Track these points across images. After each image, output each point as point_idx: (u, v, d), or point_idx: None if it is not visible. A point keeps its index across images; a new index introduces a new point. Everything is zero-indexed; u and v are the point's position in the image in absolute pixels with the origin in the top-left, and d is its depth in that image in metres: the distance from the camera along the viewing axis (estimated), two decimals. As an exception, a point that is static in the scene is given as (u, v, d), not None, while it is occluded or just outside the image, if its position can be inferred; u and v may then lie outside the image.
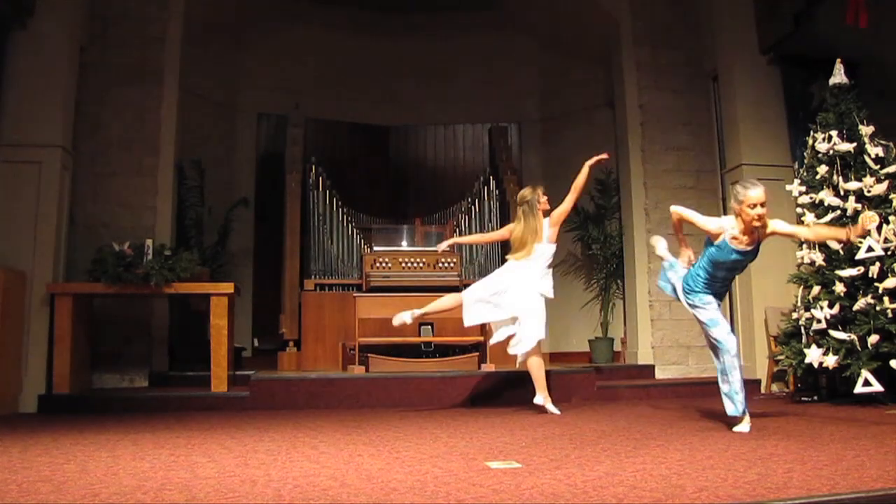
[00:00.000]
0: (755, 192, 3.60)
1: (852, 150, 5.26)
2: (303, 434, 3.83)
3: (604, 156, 5.02)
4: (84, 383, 5.66)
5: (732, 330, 3.92)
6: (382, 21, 9.50)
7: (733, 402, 3.78)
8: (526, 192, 5.01)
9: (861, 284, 4.97)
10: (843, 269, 5.01)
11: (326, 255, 7.67)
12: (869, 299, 4.83)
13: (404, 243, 8.01)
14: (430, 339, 6.49)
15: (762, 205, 3.61)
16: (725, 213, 6.66)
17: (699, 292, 3.93)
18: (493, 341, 5.03)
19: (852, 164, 5.28)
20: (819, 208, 5.37)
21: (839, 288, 5.02)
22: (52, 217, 5.47)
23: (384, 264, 7.19)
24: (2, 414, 4.88)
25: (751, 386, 5.25)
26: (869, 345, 4.76)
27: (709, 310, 3.89)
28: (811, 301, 5.25)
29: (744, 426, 3.71)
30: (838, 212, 5.22)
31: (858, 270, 4.94)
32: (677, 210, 4.02)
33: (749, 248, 3.76)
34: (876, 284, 4.85)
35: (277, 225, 8.16)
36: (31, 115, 5.51)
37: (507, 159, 8.68)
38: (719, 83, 7.10)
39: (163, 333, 6.27)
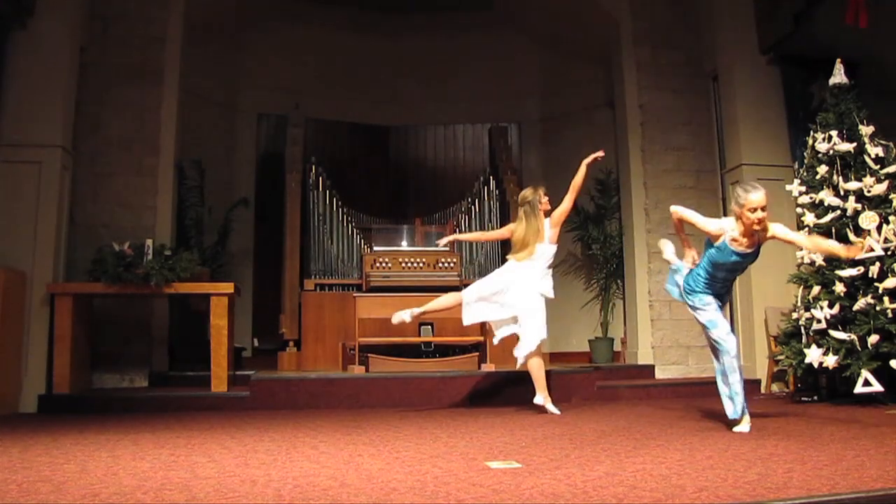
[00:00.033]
0: (755, 197, 3.58)
1: (852, 150, 5.27)
2: (303, 434, 3.83)
3: (600, 153, 5.01)
4: (84, 383, 5.66)
5: (732, 330, 3.91)
6: (382, 21, 9.50)
7: (732, 405, 3.78)
8: (527, 193, 5.01)
9: (861, 284, 4.97)
10: (843, 269, 5.01)
11: (326, 255, 7.67)
12: (869, 299, 4.83)
13: (404, 243, 8.01)
14: (430, 339, 6.49)
15: (763, 209, 3.59)
16: (725, 214, 6.67)
17: (699, 293, 3.93)
18: (496, 340, 5.03)
19: (852, 164, 5.28)
20: (819, 208, 5.37)
21: (839, 288, 5.03)
22: (52, 217, 5.47)
23: (384, 264, 7.19)
24: (2, 414, 4.88)
25: (751, 386, 5.26)
26: (869, 345, 4.76)
27: (708, 311, 3.89)
28: (811, 301, 5.26)
29: (744, 426, 3.71)
30: (838, 212, 5.23)
31: (858, 270, 4.94)
32: (677, 211, 4.01)
33: (749, 251, 3.76)
34: (876, 284, 4.85)
35: (277, 225, 8.16)
36: (31, 115, 5.51)
37: (507, 159, 8.68)
38: (719, 83, 7.11)
39: (163, 333, 6.27)
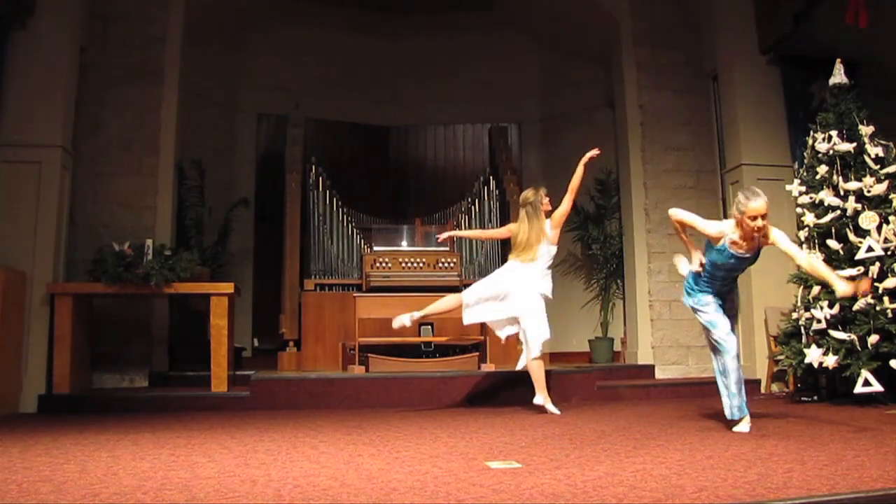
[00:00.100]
0: (755, 205, 3.55)
1: (852, 150, 5.27)
2: (303, 434, 3.83)
3: (595, 151, 5.00)
4: (84, 383, 5.66)
5: (733, 330, 3.91)
6: (382, 21, 9.50)
7: (730, 406, 3.78)
8: (528, 194, 5.01)
9: (861, 284, 4.97)
10: (843, 269, 5.01)
11: (326, 255, 7.67)
12: (869, 299, 4.83)
13: (404, 243, 8.00)
14: (430, 339, 6.49)
15: (763, 217, 3.58)
16: (726, 214, 6.67)
17: (699, 292, 3.93)
18: (503, 337, 5.04)
19: (852, 164, 5.28)
20: (819, 208, 5.36)
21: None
22: (52, 217, 5.47)
23: (384, 264, 7.19)
24: (2, 414, 4.88)
25: (751, 386, 5.25)
26: (869, 345, 4.76)
27: (708, 312, 3.89)
28: (811, 301, 5.26)
29: (744, 426, 3.71)
30: (838, 212, 5.22)
31: (858, 270, 4.94)
32: (676, 215, 3.99)
33: (748, 254, 3.76)
34: (876, 284, 4.85)
35: (277, 225, 8.16)
36: (31, 115, 5.51)
37: (507, 159, 8.68)
38: (719, 83, 7.11)
39: (163, 333, 6.27)
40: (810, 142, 5.56)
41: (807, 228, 5.41)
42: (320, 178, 7.87)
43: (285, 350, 7.35)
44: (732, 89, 6.80)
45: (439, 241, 5.61)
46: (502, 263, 5.18)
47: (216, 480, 2.53)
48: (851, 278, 4.86)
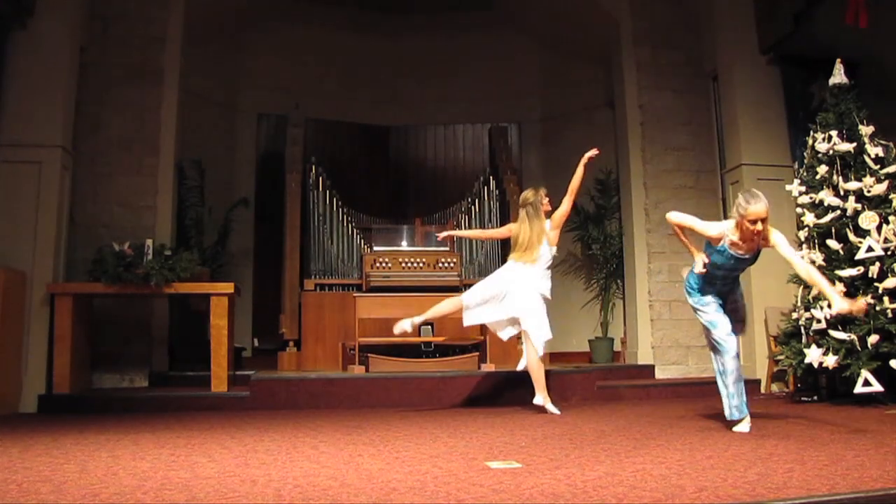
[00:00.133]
0: (755, 209, 3.54)
1: (852, 150, 5.26)
2: (303, 434, 3.83)
3: (594, 151, 4.99)
4: (84, 383, 5.66)
5: (734, 331, 3.91)
6: (382, 21, 9.50)
7: (730, 406, 3.78)
8: (528, 195, 5.01)
9: (861, 284, 4.97)
10: (843, 269, 5.02)
11: (326, 255, 7.67)
12: (869, 299, 4.83)
13: (404, 243, 8.00)
14: (430, 340, 6.49)
15: (762, 221, 3.56)
16: (725, 214, 6.67)
17: (699, 292, 3.93)
18: (505, 338, 5.05)
19: (852, 164, 5.28)
20: (819, 208, 5.36)
21: (839, 288, 5.01)
22: (52, 217, 5.47)
23: (384, 264, 7.19)
24: (2, 414, 4.88)
25: (751, 386, 5.25)
26: (869, 345, 4.76)
27: (708, 312, 3.89)
28: (811, 301, 5.26)
29: (744, 426, 3.71)
30: (838, 212, 5.22)
31: (858, 270, 4.95)
32: (674, 219, 3.97)
33: (748, 255, 3.76)
34: (876, 284, 4.85)
35: (277, 225, 8.16)
36: (31, 115, 5.51)
37: (507, 159, 8.68)
38: (719, 83, 7.11)
39: (163, 333, 6.27)
40: (810, 142, 5.56)
41: (807, 228, 5.41)
42: (320, 178, 7.87)
43: (285, 350, 7.35)
44: (732, 89, 6.81)
45: (439, 239, 5.63)
46: (502, 263, 5.18)
47: (216, 480, 2.53)
48: (845, 293, 4.88)
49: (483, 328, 5.95)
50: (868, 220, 4.99)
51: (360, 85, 9.38)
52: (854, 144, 5.26)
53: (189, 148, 7.10)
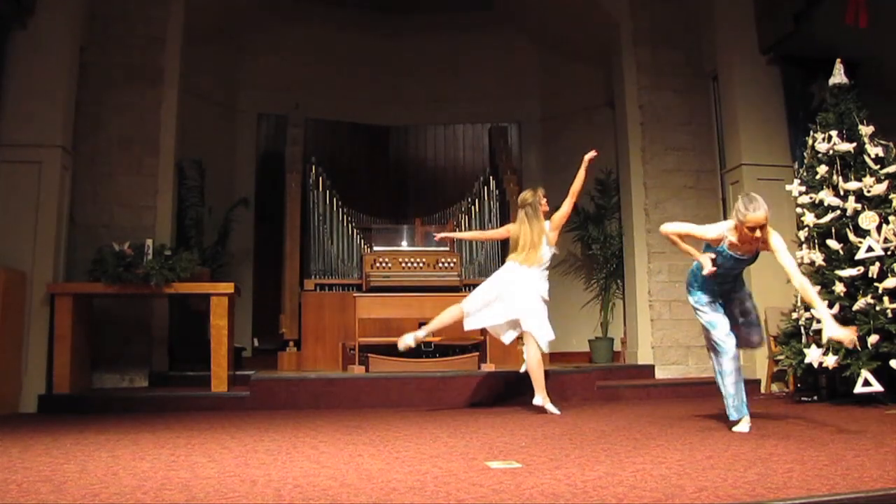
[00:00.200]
0: (754, 217, 3.53)
1: (852, 150, 5.26)
2: (303, 434, 3.83)
3: (593, 153, 4.99)
4: (84, 383, 5.66)
5: (733, 331, 3.90)
6: (382, 21, 9.51)
7: (730, 406, 3.78)
8: (527, 195, 5.00)
9: (861, 284, 4.97)
10: (843, 269, 5.02)
11: (326, 255, 7.67)
12: (869, 299, 4.83)
13: (404, 243, 8.01)
14: (431, 340, 6.48)
15: (761, 228, 3.56)
16: (725, 214, 6.68)
17: (698, 290, 3.93)
18: (507, 341, 5.05)
19: (852, 164, 5.28)
20: (819, 208, 5.36)
21: (839, 288, 5.03)
22: (52, 217, 5.47)
23: (384, 264, 7.19)
24: (2, 414, 4.88)
25: (751, 386, 5.25)
26: (869, 345, 4.76)
27: (707, 312, 3.89)
28: (811, 301, 5.25)
29: (744, 426, 3.71)
30: (838, 212, 5.22)
31: (858, 270, 4.94)
32: (669, 230, 3.93)
33: (747, 256, 3.76)
34: (876, 284, 4.85)
35: (277, 225, 8.16)
36: (31, 115, 5.50)
37: (507, 159, 8.69)
38: (719, 83, 7.11)
39: (163, 333, 6.27)
40: (810, 142, 5.56)
41: (807, 228, 5.41)
42: (320, 178, 7.87)
43: (285, 350, 7.35)
44: (732, 89, 6.81)
45: (436, 240, 5.62)
46: (503, 263, 5.18)
47: (216, 480, 2.53)
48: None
49: (483, 329, 5.95)
50: (868, 220, 4.99)
51: (360, 85, 9.38)
52: (854, 144, 5.26)
53: (189, 148, 7.10)
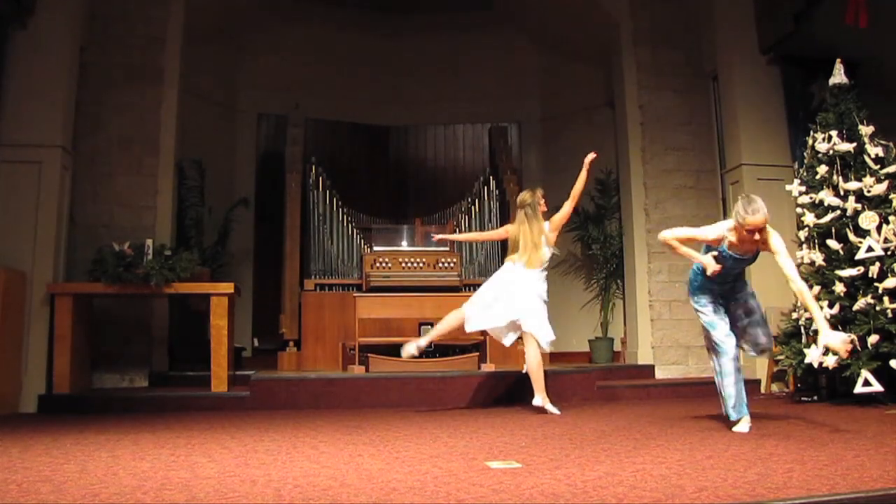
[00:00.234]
0: (753, 220, 3.52)
1: (852, 150, 5.26)
2: (303, 434, 3.83)
3: (593, 155, 4.99)
4: (84, 383, 5.66)
5: (733, 331, 3.90)
6: (382, 21, 9.51)
7: (730, 406, 3.78)
8: (526, 196, 5.00)
9: (861, 284, 4.97)
10: (843, 269, 5.01)
11: (326, 255, 7.67)
12: (869, 299, 4.83)
13: (404, 243, 8.01)
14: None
15: (760, 231, 3.56)
16: (725, 214, 6.68)
17: (698, 290, 3.93)
18: (507, 345, 5.05)
19: (852, 164, 5.28)
20: (819, 208, 5.36)
21: (839, 288, 5.02)
22: (52, 217, 5.47)
23: (384, 264, 7.19)
24: (2, 414, 4.88)
25: (751, 386, 5.25)
26: (869, 345, 4.76)
27: (707, 313, 3.89)
28: (811, 301, 5.25)
29: (743, 426, 3.71)
30: (838, 212, 5.22)
31: (858, 270, 4.94)
32: (668, 236, 3.91)
33: (746, 256, 3.76)
34: (876, 284, 4.85)
35: (277, 225, 8.16)
36: (31, 115, 5.50)
37: (507, 159, 8.69)
38: (719, 83, 7.11)
39: (163, 333, 6.27)
40: (810, 142, 5.56)
41: (807, 228, 5.41)
42: (320, 178, 7.87)
43: (285, 350, 7.35)
44: (732, 89, 6.81)
45: (434, 240, 5.62)
46: (503, 263, 5.18)
47: (216, 480, 2.53)
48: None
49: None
50: (868, 220, 4.99)
51: (360, 85, 9.38)
52: (854, 144, 5.26)
53: (189, 148, 7.10)
